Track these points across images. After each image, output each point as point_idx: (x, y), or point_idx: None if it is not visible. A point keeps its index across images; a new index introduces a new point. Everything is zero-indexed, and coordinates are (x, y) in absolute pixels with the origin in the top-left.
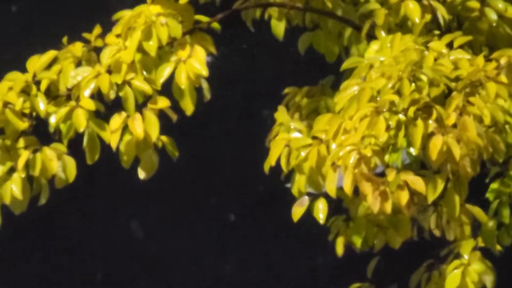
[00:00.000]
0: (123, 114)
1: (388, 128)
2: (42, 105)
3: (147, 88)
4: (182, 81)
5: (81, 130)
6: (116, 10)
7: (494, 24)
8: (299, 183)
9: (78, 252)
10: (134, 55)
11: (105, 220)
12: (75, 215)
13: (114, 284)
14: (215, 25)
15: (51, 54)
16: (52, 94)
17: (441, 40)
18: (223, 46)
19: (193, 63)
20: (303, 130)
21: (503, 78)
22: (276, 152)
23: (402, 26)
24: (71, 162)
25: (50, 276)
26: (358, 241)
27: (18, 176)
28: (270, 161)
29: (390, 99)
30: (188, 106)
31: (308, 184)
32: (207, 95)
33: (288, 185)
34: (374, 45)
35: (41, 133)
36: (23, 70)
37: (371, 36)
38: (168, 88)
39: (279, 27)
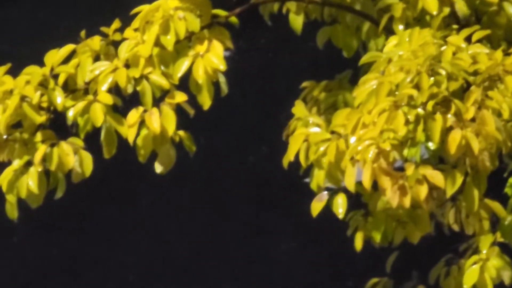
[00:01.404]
0: (140, 108)
1: (406, 122)
2: (59, 99)
3: (164, 83)
4: (200, 75)
5: (98, 124)
6: (134, 4)
7: None
8: (318, 178)
9: (91, 246)
10: (151, 49)
11: (122, 215)
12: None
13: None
14: (233, 19)
15: (69, 48)
16: (69, 88)
17: (460, 34)
18: (241, 41)
19: (211, 57)
20: (322, 125)
21: None
22: (295, 147)
23: (420, 20)
24: (87, 157)
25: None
26: (377, 236)
27: (34, 170)
28: (289, 156)
29: (409, 93)
30: (206, 101)
31: (327, 179)
32: (225, 89)
33: (307, 180)
34: (393, 40)
35: (58, 127)
36: (41, 64)
37: (389, 30)
38: (186, 83)
39: (297, 21)
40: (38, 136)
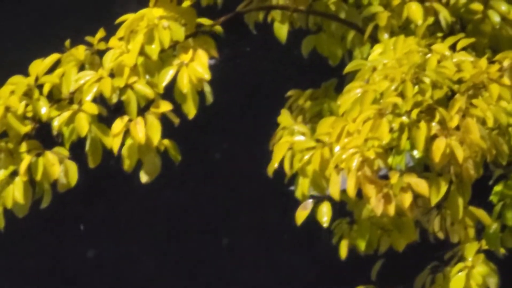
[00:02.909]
0: (125, 118)
1: (391, 130)
2: (44, 109)
3: (149, 92)
4: (184, 84)
5: (83, 134)
6: (119, 13)
7: (497, 27)
8: (302, 186)
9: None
10: (136, 58)
11: (109, 223)
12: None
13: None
14: (218, 28)
15: (53, 57)
16: (54, 98)
17: (444, 43)
18: (226, 49)
19: (196, 66)
20: (307, 133)
21: (506, 80)
22: (279, 155)
23: (405, 28)
24: (73, 167)
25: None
26: (362, 244)
27: (20, 180)
28: (274, 164)
29: (393, 101)
30: (190, 110)
31: (311, 187)
32: (210, 98)
33: (292, 188)
34: (378, 48)
35: (44, 137)
36: (26, 73)
37: (374, 39)
38: (171, 92)
39: (282, 30)
40: (24, 146)
